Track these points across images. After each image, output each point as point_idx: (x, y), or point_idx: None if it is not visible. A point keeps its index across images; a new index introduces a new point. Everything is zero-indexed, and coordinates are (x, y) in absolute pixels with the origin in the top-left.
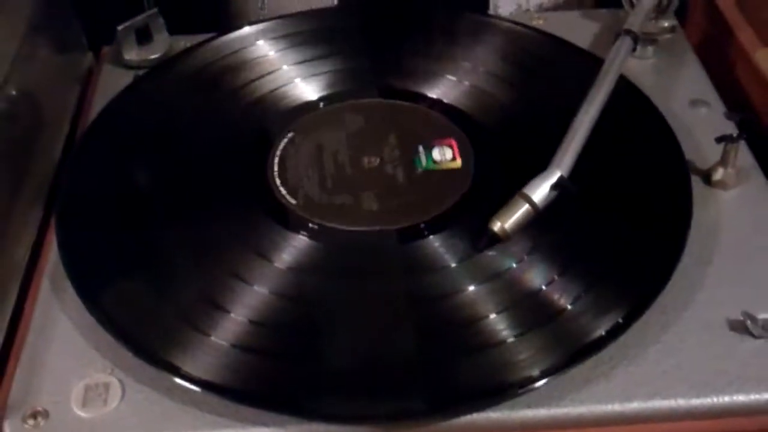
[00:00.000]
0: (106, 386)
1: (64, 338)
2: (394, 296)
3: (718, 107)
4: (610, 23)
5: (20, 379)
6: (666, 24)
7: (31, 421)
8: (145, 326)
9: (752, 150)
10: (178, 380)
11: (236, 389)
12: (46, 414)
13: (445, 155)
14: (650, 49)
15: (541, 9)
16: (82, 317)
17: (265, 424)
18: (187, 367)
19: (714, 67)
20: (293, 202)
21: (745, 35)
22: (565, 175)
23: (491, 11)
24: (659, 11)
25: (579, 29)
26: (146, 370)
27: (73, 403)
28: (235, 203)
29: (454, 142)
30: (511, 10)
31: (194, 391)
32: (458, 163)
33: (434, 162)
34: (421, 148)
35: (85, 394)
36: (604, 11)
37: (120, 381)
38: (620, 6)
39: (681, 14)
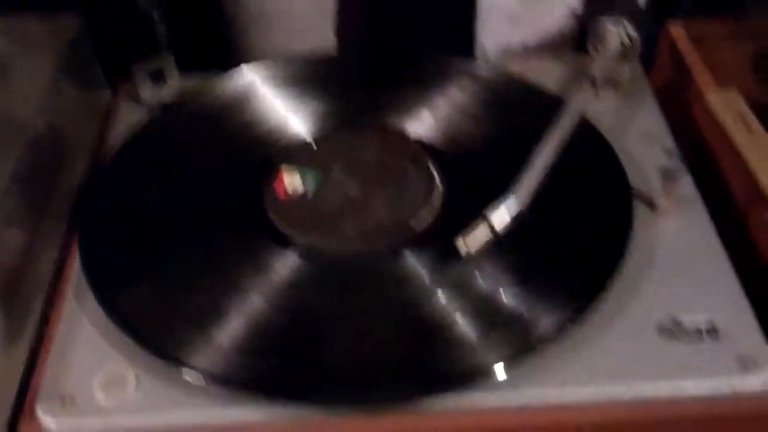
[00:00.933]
0: (123, 377)
1: (86, 337)
2: (375, 305)
3: (668, 143)
4: (577, 68)
5: (50, 371)
6: (627, 70)
7: (60, 404)
8: (156, 328)
9: (699, 183)
10: (184, 372)
11: (234, 380)
12: (72, 399)
13: None
14: (612, 91)
15: (524, 49)
16: (101, 320)
17: (259, 410)
18: (192, 362)
19: (675, 107)
20: (286, 224)
21: (701, 77)
22: (523, 205)
23: (478, 49)
24: (622, 57)
25: (550, 73)
26: (157, 364)
27: (95, 390)
28: (236, 225)
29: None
30: (498, 49)
31: (197, 381)
32: None
33: None
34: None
35: (106, 383)
36: (575, 56)
37: (135, 373)
38: None
39: (649, 57)
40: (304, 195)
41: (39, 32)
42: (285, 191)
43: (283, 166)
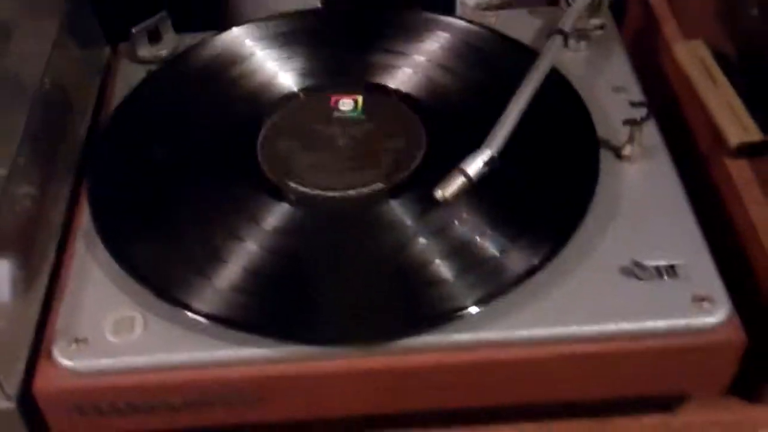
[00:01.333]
0: (132, 319)
1: (97, 283)
2: (359, 248)
3: (636, 93)
4: (551, 20)
5: (64, 315)
6: (597, 22)
7: (74, 345)
8: (160, 272)
9: (667, 131)
10: (187, 313)
11: (232, 319)
12: (85, 340)
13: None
14: (583, 43)
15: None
16: (110, 266)
17: (255, 347)
18: (194, 304)
19: (643, 58)
20: (276, 175)
21: (669, 28)
22: (496, 153)
23: (458, 1)
24: (592, 10)
25: (525, 25)
26: (162, 306)
27: (106, 332)
28: (231, 176)
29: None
30: (475, 1)
31: (200, 322)
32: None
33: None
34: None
35: (115, 325)
36: (547, 9)
37: (142, 315)
38: None
39: (620, 9)
40: (295, 144)
41: None
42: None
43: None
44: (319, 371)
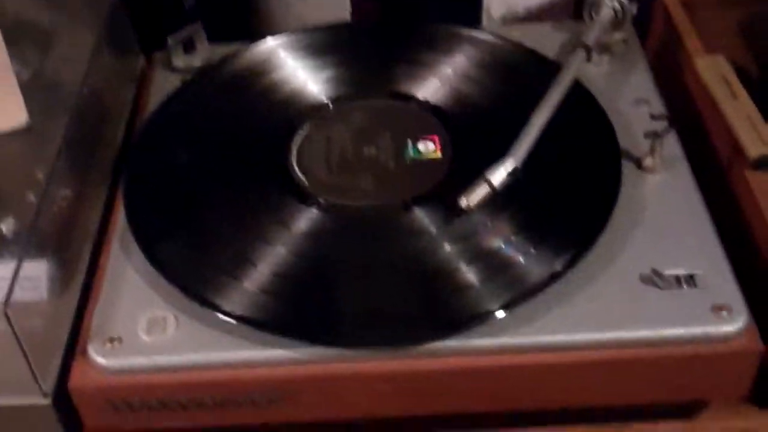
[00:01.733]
0: (164, 319)
1: (131, 284)
2: (386, 254)
3: (658, 106)
4: (575, 34)
5: (99, 315)
6: (620, 36)
7: (108, 344)
8: (193, 275)
9: (688, 143)
10: (218, 314)
11: (260, 321)
12: (120, 339)
13: (428, 148)
14: (606, 57)
15: (528, 12)
16: (144, 268)
17: (283, 349)
18: (225, 306)
19: (665, 71)
20: (306, 182)
21: (691, 43)
22: (519, 163)
23: (484, 13)
24: (615, 24)
25: (550, 39)
26: (194, 307)
27: (139, 331)
28: (262, 182)
29: (436, 138)
30: (503, 12)
31: (230, 323)
32: (439, 154)
33: (419, 153)
34: (409, 142)
35: (149, 324)
36: (572, 23)
37: (175, 316)
38: None
39: (645, 24)
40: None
41: (79, 5)
42: None
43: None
44: (345, 373)
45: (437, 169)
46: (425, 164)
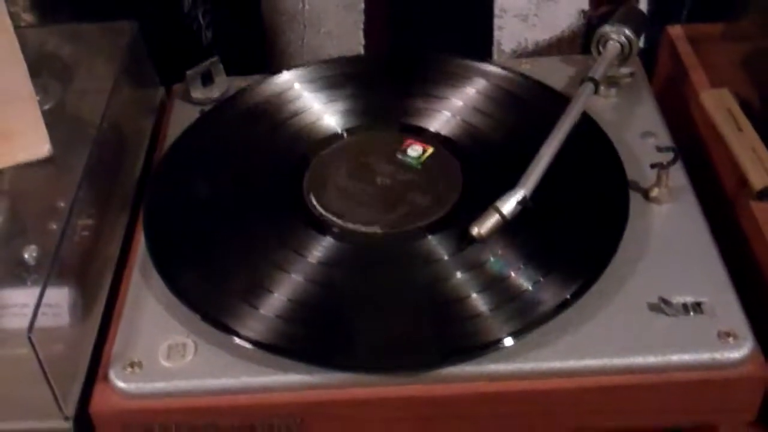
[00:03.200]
0: (184, 345)
1: (151, 311)
2: (399, 282)
3: (665, 138)
4: (583, 68)
5: (120, 340)
6: (626, 71)
7: (129, 369)
8: (212, 301)
9: (694, 174)
10: (235, 339)
11: (277, 346)
12: (140, 364)
13: (417, 151)
14: (613, 90)
15: (537, 46)
16: (165, 295)
17: (299, 372)
18: (243, 331)
19: (673, 105)
20: (322, 211)
21: (696, 76)
22: (528, 193)
23: (495, 47)
24: (622, 59)
25: (558, 72)
26: (212, 333)
27: (159, 357)
28: (278, 212)
29: (419, 142)
30: (513, 47)
31: (246, 348)
32: (430, 149)
33: (412, 158)
34: (399, 155)
35: (168, 350)
36: (580, 57)
37: (194, 342)
38: None
39: (652, 58)
40: (340, 182)
41: (99, 38)
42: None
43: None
44: (359, 398)
45: (450, 199)
46: (439, 194)
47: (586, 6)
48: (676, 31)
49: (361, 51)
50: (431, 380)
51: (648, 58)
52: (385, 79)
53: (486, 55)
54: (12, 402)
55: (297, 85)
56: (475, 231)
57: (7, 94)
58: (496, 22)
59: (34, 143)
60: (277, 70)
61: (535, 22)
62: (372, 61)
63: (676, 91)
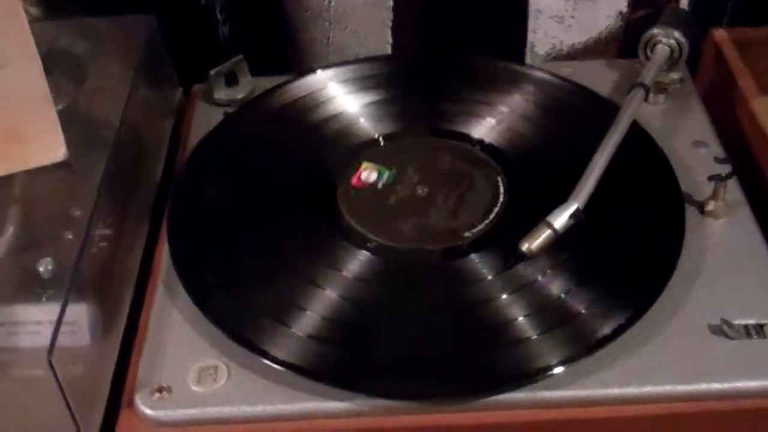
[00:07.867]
0: (216, 368)
1: (179, 331)
2: (441, 301)
3: (716, 148)
4: (627, 72)
5: (146, 363)
6: (675, 76)
7: (157, 395)
8: (243, 322)
9: (744, 186)
10: (269, 363)
11: (313, 370)
12: (169, 389)
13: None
14: (661, 96)
15: (573, 49)
16: (193, 314)
17: (338, 399)
18: (276, 353)
19: (719, 111)
20: (356, 223)
21: (745, 83)
22: (581, 206)
23: (528, 49)
24: (670, 64)
25: (601, 77)
26: (246, 355)
27: (189, 381)
28: (311, 224)
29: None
30: (547, 49)
31: (282, 371)
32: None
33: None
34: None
35: (199, 374)
36: (624, 61)
37: (226, 365)
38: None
39: (695, 63)
40: (376, 192)
41: (114, 34)
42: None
43: (364, 163)
44: (401, 426)
45: (493, 212)
46: (482, 207)
47: (624, 8)
48: (721, 34)
49: (389, 50)
50: (477, 408)
51: (689, 63)
52: (424, 81)
53: (518, 56)
54: (25, 428)
55: (330, 85)
56: (525, 247)
57: (21, 94)
58: (531, 23)
59: (48, 146)
60: (300, 69)
61: (572, 23)
62: (407, 61)
63: (722, 98)
